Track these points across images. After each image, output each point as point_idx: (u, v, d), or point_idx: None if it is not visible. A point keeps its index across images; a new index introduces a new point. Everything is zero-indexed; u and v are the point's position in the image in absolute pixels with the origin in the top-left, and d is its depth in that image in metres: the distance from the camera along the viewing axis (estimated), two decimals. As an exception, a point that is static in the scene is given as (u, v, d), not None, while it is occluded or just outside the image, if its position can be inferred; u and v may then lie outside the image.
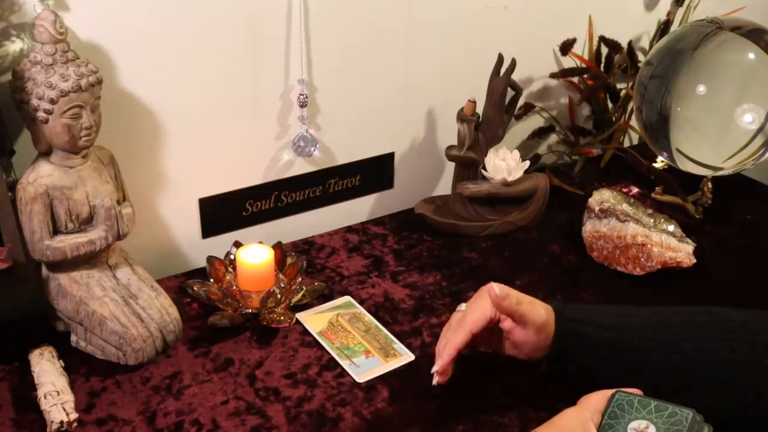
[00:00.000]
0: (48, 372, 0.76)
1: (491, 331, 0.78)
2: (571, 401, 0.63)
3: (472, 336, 0.75)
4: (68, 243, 0.78)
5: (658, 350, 0.70)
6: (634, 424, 0.59)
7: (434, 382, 0.76)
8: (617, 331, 0.72)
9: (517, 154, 1.06)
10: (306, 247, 1.03)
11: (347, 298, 0.93)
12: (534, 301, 0.75)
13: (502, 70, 1.02)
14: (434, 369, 0.76)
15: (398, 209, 1.13)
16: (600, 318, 0.74)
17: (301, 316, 0.89)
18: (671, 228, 0.99)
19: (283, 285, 0.90)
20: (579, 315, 0.74)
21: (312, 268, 0.98)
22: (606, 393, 0.62)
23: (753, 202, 1.18)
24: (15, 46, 0.78)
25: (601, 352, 0.72)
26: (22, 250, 0.78)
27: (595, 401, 0.62)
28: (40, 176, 0.77)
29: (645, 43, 1.30)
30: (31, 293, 0.81)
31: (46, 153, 0.77)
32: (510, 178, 1.04)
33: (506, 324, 0.75)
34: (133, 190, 0.87)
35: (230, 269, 0.92)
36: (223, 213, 1.00)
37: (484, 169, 1.05)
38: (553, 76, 1.20)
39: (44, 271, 0.82)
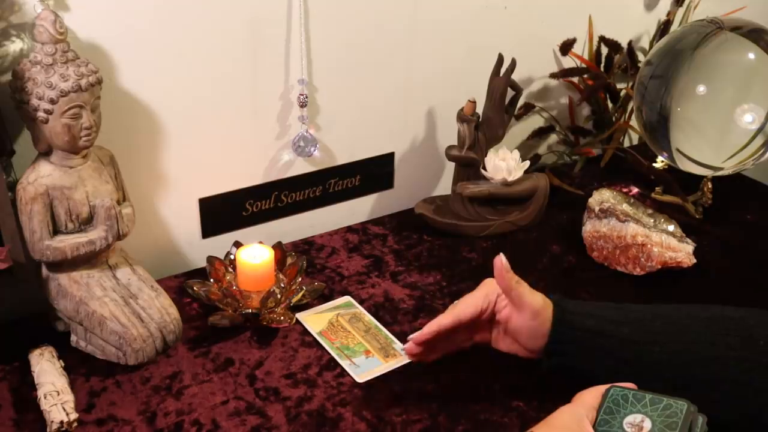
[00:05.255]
0: (48, 372, 0.76)
1: (488, 328, 0.79)
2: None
3: (459, 322, 0.76)
4: (68, 243, 0.78)
5: (657, 344, 0.70)
6: (629, 419, 0.59)
7: (403, 350, 0.80)
8: (616, 324, 0.72)
9: (517, 154, 1.06)
10: (306, 247, 1.03)
11: (347, 298, 0.93)
12: (533, 289, 0.76)
13: (502, 70, 1.02)
14: (410, 337, 0.78)
15: (398, 209, 1.13)
16: (598, 311, 0.74)
17: (301, 316, 0.89)
18: (671, 228, 0.99)
19: (283, 285, 0.90)
20: (577, 308, 0.75)
21: (312, 268, 0.98)
22: (600, 389, 0.62)
23: (753, 202, 1.18)
24: (15, 46, 0.78)
25: (599, 343, 0.72)
26: (22, 250, 0.78)
27: (589, 397, 0.62)
28: (40, 176, 0.77)
29: (645, 43, 1.30)
30: (31, 293, 0.81)
31: (46, 153, 0.77)
32: (510, 178, 1.04)
33: (503, 313, 0.77)
34: (133, 190, 0.87)
35: (230, 269, 0.92)
36: (223, 213, 1.00)
37: (484, 169, 1.05)
38: (553, 76, 1.21)
39: (44, 271, 0.82)
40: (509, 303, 0.76)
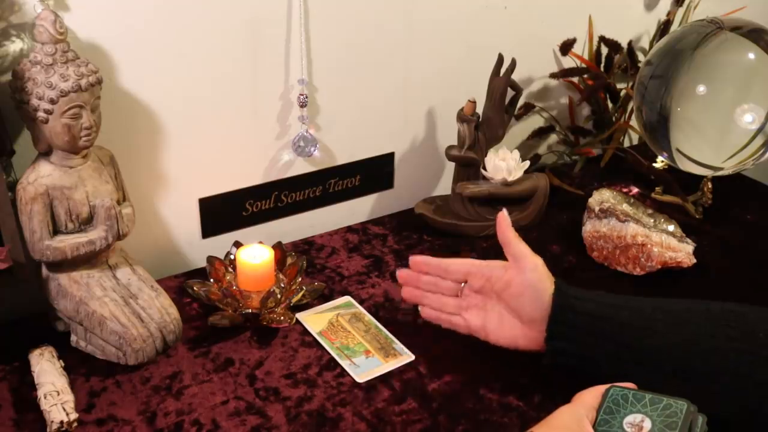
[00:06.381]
0: (48, 372, 0.76)
1: (479, 306, 0.81)
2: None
3: (447, 268, 0.83)
4: (68, 243, 0.78)
5: (657, 331, 0.71)
6: (629, 419, 0.59)
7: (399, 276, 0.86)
8: (616, 309, 0.73)
9: (517, 154, 1.06)
10: (306, 247, 1.03)
11: (347, 298, 0.93)
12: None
13: (502, 70, 1.02)
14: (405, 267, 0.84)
15: (398, 209, 1.13)
16: (600, 297, 0.75)
17: (301, 316, 0.89)
18: (671, 228, 0.99)
19: (283, 285, 0.90)
20: (578, 293, 0.75)
21: (312, 268, 0.98)
22: (600, 388, 0.62)
23: (753, 202, 1.18)
24: (15, 46, 0.78)
25: (599, 327, 0.72)
26: (22, 250, 0.77)
27: (589, 397, 0.62)
28: (40, 176, 0.77)
29: (645, 43, 1.30)
30: (31, 293, 0.81)
31: (46, 153, 0.77)
32: (510, 178, 1.04)
33: (503, 281, 0.78)
34: (133, 190, 0.87)
35: (230, 269, 0.92)
36: (223, 213, 1.00)
37: (484, 169, 1.05)
38: (553, 76, 1.21)
39: (44, 271, 0.82)
40: (508, 265, 0.78)
